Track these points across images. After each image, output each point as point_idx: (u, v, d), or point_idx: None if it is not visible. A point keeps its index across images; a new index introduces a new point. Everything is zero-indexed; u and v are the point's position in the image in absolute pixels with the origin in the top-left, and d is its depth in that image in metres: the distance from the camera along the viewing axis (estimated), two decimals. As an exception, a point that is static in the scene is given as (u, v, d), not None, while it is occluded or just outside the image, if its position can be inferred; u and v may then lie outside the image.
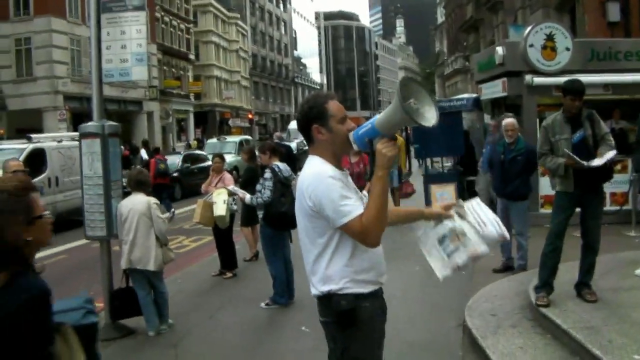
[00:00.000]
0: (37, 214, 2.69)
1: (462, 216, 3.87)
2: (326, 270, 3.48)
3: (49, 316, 2.68)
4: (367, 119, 3.63)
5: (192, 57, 62.44)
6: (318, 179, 3.42)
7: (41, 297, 2.61)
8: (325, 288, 3.49)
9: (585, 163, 6.93)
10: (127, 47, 9.11)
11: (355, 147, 3.50)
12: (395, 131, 3.47)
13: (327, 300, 3.51)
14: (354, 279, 3.47)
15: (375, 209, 3.30)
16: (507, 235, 3.91)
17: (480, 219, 3.83)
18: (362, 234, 3.32)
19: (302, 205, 3.50)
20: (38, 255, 3.05)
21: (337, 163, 3.59)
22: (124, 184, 8.32)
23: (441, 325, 7.60)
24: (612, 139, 7.20)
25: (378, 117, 3.40)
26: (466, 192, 15.07)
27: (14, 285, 2.57)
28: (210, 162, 14.53)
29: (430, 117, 3.33)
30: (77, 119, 31.64)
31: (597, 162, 6.94)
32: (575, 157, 6.95)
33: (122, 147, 43.84)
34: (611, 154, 6.98)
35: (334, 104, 3.56)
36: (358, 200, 3.47)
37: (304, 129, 3.60)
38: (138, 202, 7.84)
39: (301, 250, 3.67)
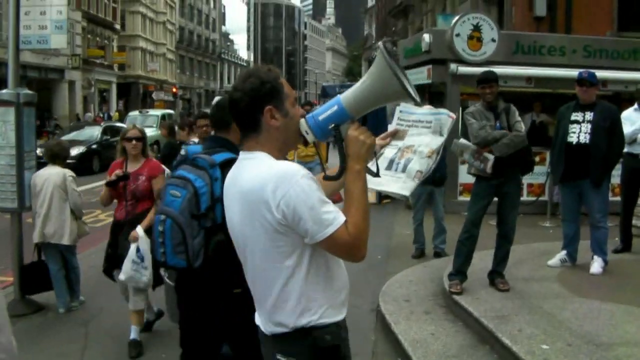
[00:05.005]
0: None
1: (402, 137, 3.06)
2: (300, 299, 2.67)
3: None
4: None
5: (117, 26, 60.96)
6: (289, 180, 2.53)
7: None
8: (301, 321, 2.68)
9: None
10: (47, 14, 8.82)
11: (310, 137, 2.69)
12: (367, 112, 2.70)
13: (300, 336, 2.70)
14: (333, 305, 2.74)
15: (362, 211, 2.59)
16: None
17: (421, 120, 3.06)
18: (352, 246, 2.57)
19: (260, 220, 2.61)
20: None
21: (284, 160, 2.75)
22: (40, 154, 8.03)
23: (355, 309, 7.56)
24: (521, 128, 7.20)
25: (346, 95, 2.64)
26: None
27: None
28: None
29: (414, 93, 2.64)
30: (-5, 84, 30.62)
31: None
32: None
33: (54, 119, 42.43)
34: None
35: (285, 82, 2.78)
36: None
37: (249, 111, 2.69)
38: (53, 174, 7.59)
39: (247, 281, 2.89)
